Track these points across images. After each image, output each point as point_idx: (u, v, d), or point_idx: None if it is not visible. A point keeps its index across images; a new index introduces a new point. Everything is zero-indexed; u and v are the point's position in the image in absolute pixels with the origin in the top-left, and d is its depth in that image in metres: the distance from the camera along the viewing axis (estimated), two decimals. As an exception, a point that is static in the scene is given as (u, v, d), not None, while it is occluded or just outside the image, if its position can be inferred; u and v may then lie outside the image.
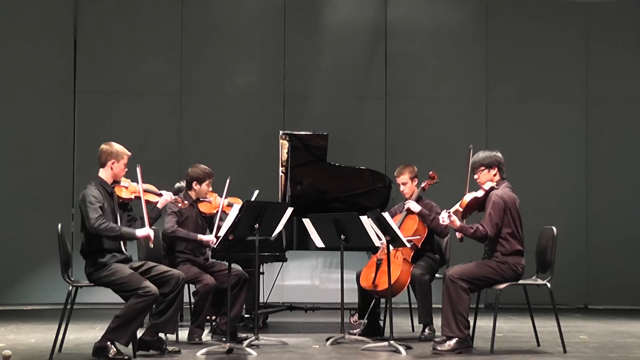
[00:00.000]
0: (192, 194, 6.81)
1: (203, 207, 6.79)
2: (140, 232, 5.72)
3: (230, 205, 6.66)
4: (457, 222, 5.86)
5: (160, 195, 6.02)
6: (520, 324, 7.99)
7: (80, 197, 5.67)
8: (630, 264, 10.50)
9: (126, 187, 5.86)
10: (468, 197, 5.98)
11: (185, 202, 6.37)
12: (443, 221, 5.86)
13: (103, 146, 5.84)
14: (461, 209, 5.93)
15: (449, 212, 5.84)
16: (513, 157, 10.17)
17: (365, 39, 10.71)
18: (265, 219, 6.10)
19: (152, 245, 5.90)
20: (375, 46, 10.68)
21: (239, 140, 10.38)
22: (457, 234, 6.08)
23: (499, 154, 6.12)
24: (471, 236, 5.92)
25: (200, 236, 6.63)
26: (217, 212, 6.67)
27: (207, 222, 6.87)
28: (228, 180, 6.56)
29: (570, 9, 10.85)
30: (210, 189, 6.84)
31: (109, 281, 5.58)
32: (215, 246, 6.28)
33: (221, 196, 6.70)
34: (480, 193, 6.02)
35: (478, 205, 6.04)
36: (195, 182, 6.78)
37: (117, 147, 5.84)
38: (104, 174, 5.80)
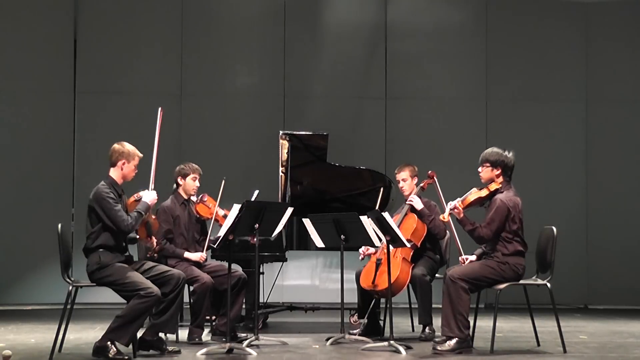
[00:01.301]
0: (182, 192, 6.81)
1: (201, 209, 6.77)
2: (148, 198, 5.70)
3: (225, 217, 6.64)
4: (462, 214, 5.88)
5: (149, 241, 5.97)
6: (520, 324, 8.00)
7: (95, 196, 5.60)
8: (630, 264, 10.50)
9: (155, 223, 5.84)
10: (473, 196, 5.98)
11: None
12: (443, 219, 5.91)
13: (115, 145, 5.83)
14: (462, 206, 5.93)
15: (453, 204, 5.86)
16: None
17: (365, 39, 10.71)
18: (265, 219, 6.10)
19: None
20: (375, 46, 10.68)
21: (239, 140, 10.38)
22: (460, 258, 6.12)
23: (510, 156, 6.05)
24: (469, 232, 5.92)
25: (187, 254, 6.65)
26: (212, 218, 6.69)
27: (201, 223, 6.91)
28: (223, 182, 6.55)
29: (570, 8, 10.85)
30: (198, 184, 6.81)
31: (110, 281, 5.58)
32: (215, 246, 6.29)
33: (221, 206, 6.70)
34: (484, 192, 6.02)
35: (480, 203, 6.04)
36: (180, 177, 6.80)
37: (129, 147, 5.82)
38: (114, 173, 5.78)
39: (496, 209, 5.91)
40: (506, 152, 6.08)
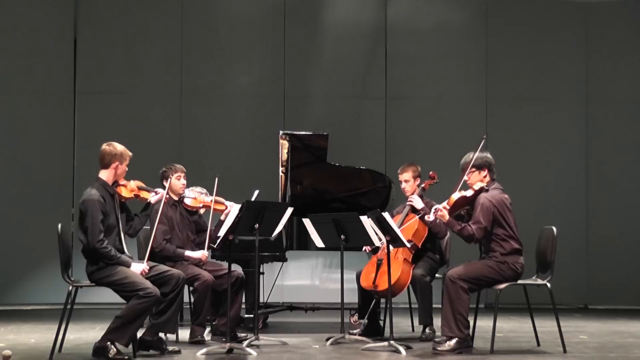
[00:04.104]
0: (171, 193, 6.75)
1: (188, 202, 6.71)
2: (134, 267, 5.65)
3: (218, 202, 6.60)
4: (447, 217, 5.87)
5: (156, 192, 6.00)
6: (520, 324, 8.00)
7: (83, 203, 5.60)
8: (630, 264, 10.49)
9: (125, 186, 5.82)
10: (456, 195, 5.97)
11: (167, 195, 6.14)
12: (428, 218, 5.92)
13: (105, 147, 5.76)
14: (448, 207, 5.92)
15: (437, 207, 5.86)
16: (513, 157, 10.26)
17: (365, 39, 10.71)
18: (265, 219, 6.10)
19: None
20: (375, 46, 10.68)
21: (239, 140, 10.38)
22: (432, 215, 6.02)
23: (489, 155, 6.14)
24: (458, 233, 5.93)
25: (187, 253, 6.62)
26: (205, 208, 6.61)
27: (194, 223, 6.88)
28: (217, 180, 6.50)
29: (570, 9, 10.84)
30: (184, 182, 6.73)
31: (110, 281, 5.57)
32: (215, 246, 6.28)
33: (209, 194, 6.66)
34: (469, 193, 6.02)
35: (466, 204, 6.03)
36: (164, 180, 6.65)
37: (120, 148, 5.77)
38: (106, 175, 5.74)
39: (481, 207, 5.93)
40: (485, 153, 6.10)
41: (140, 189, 5.91)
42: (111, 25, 10.38)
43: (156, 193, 6.00)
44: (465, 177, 6.07)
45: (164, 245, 6.56)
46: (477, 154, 6.07)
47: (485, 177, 6.07)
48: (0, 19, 10.21)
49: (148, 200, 5.97)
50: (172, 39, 10.45)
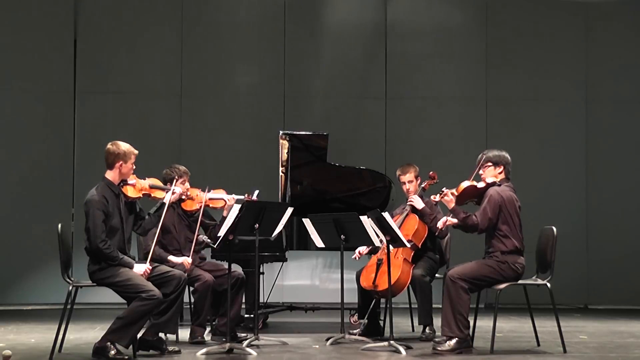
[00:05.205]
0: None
1: (187, 205, 6.61)
2: (137, 268, 5.61)
3: (214, 199, 6.55)
4: (453, 202, 5.87)
5: (173, 192, 5.96)
6: (520, 324, 8.00)
7: (85, 204, 5.58)
8: (630, 264, 10.49)
9: (133, 185, 5.77)
10: (465, 183, 5.96)
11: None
12: (434, 199, 5.93)
13: (109, 147, 5.73)
14: (456, 193, 5.92)
15: (446, 191, 5.86)
16: (513, 157, 10.17)
17: (365, 39, 10.71)
18: (265, 219, 6.09)
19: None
20: (375, 46, 10.68)
21: (239, 140, 10.38)
22: (440, 223, 6.07)
23: (508, 155, 6.14)
24: (462, 221, 5.91)
25: (170, 257, 6.53)
26: (201, 207, 6.51)
27: (195, 220, 6.83)
28: (206, 190, 6.45)
29: (570, 9, 10.85)
30: (188, 185, 6.63)
31: (112, 282, 5.55)
32: (215, 246, 6.25)
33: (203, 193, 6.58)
34: (480, 184, 6.02)
35: (474, 195, 6.03)
36: (168, 183, 6.48)
37: (123, 147, 5.73)
38: (111, 174, 5.71)
39: (489, 198, 5.93)
40: (503, 152, 6.13)
41: (152, 187, 5.85)
42: (111, 25, 10.39)
43: (173, 193, 5.95)
44: (481, 171, 6.08)
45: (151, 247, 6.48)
46: (494, 152, 6.09)
47: (500, 173, 6.08)
48: (0, 19, 10.22)
49: (162, 199, 5.91)
50: (172, 38, 10.45)
